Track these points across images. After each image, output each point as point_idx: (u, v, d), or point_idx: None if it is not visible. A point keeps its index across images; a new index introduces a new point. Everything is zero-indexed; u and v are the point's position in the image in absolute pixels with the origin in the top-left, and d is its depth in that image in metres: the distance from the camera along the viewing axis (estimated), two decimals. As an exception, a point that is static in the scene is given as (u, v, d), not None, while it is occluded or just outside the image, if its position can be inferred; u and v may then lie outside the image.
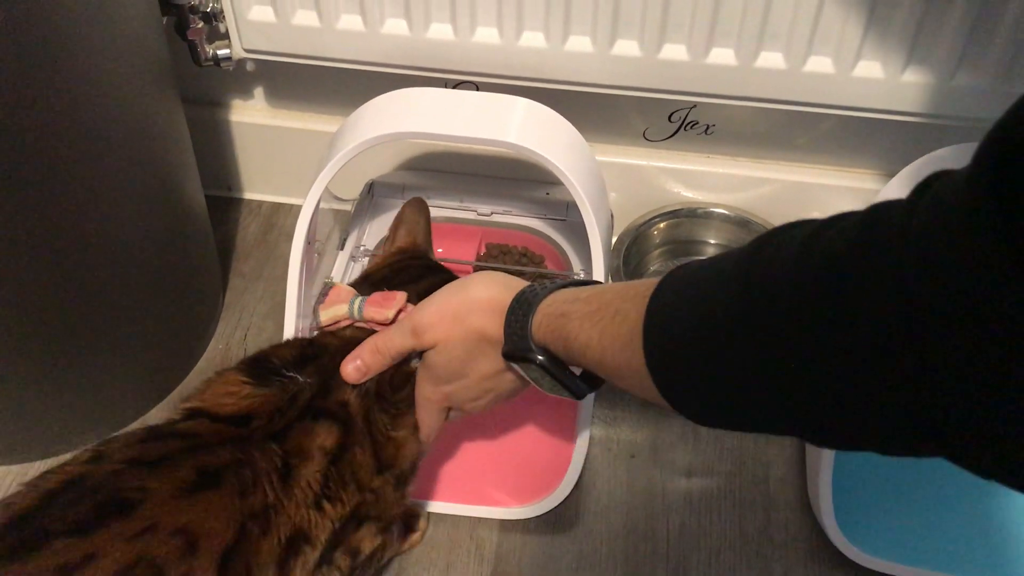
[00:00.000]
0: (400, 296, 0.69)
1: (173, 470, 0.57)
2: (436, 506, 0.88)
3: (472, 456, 0.91)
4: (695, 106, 1.02)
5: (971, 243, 0.34)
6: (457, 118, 0.85)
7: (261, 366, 0.67)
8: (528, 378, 0.63)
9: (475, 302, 0.64)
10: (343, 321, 0.71)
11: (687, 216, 1.09)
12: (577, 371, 0.62)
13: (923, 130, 0.95)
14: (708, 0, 0.85)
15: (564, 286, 0.61)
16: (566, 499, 0.87)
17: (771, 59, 0.89)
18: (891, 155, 1.03)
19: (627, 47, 0.90)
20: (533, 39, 0.90)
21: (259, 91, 1.12)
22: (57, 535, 0.52)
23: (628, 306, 0.52)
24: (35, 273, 0.79)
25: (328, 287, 0.72)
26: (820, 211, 1.07)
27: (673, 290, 0.50)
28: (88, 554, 0.51)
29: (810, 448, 0.92)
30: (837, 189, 1.06)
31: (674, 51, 0.89)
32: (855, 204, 1.05)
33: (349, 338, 0.70)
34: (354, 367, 0.66)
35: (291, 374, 0.67)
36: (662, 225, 1.09)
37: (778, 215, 1.08)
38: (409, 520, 0.85)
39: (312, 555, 0.63)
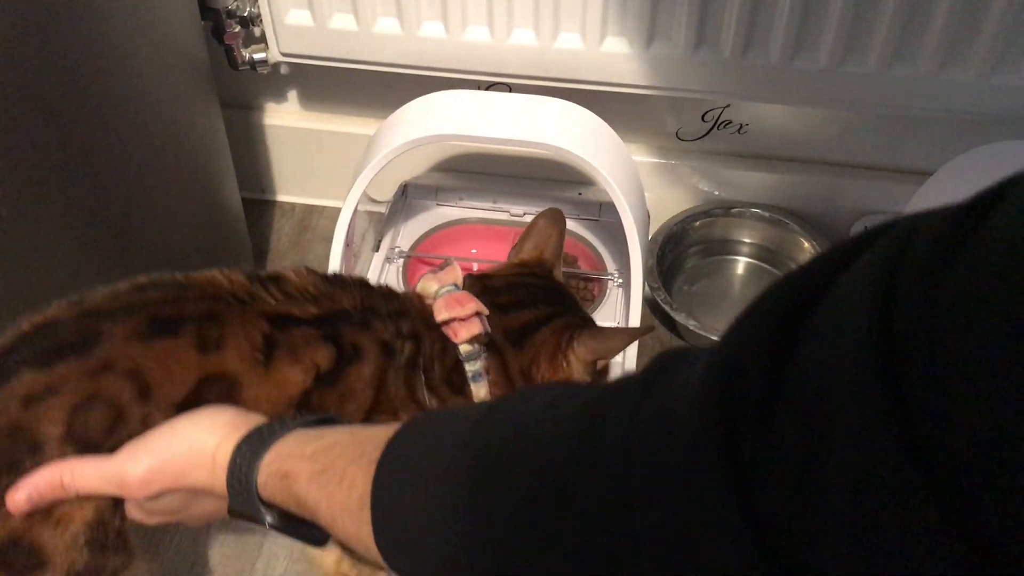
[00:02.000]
0: (471, 305, 0.65)
1: (134, 316, 0.58)
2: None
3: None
4: (728, 106, 1.02)
5: (697, 488, 0.30)
6: (495, 120, 0.85)
7: (321, 273, 0.66)
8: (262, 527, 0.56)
9: (194, 457, 0.55)
10: (428, 298, 0.68)
11: (721, 215, 1.09)
12: None
13: (958, 129, 0.95)
14: (745, 4, 0.85)
15: (294, 428, 0.54)
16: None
17: (806, 61, 0.88)
18: (927, 154, 1.03)
19: (664, 48, 0.90)
20: (569, 40, 0.91)
21: (293, 94, 1.12)
22: (24, 366, 0.55)
23: (355, 470, 0.47)
24: (80, 271, 0.80)
25: (446, 265, 0.70)
26: (852, 210, 1.07)
27: (401, 458, 0.46)
28: (49, 387, 0.54)
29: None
30: (871, 188, 1.06)
31: (710, 52, 0.89)
32: (889, 202, 1.06)
33: (421, 309, 0.68)
34: (25, 496, 0.54)
35: (350, 285, 0.65)
36: (697, 224, 1.09)
37: (812, 214, 1.08)
38: None
39: None
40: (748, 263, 1.10)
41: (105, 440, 0.55)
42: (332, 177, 1.16)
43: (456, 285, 0.67)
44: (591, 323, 0.71)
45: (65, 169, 0.72)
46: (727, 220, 1.09)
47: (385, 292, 0.67)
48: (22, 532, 0.55)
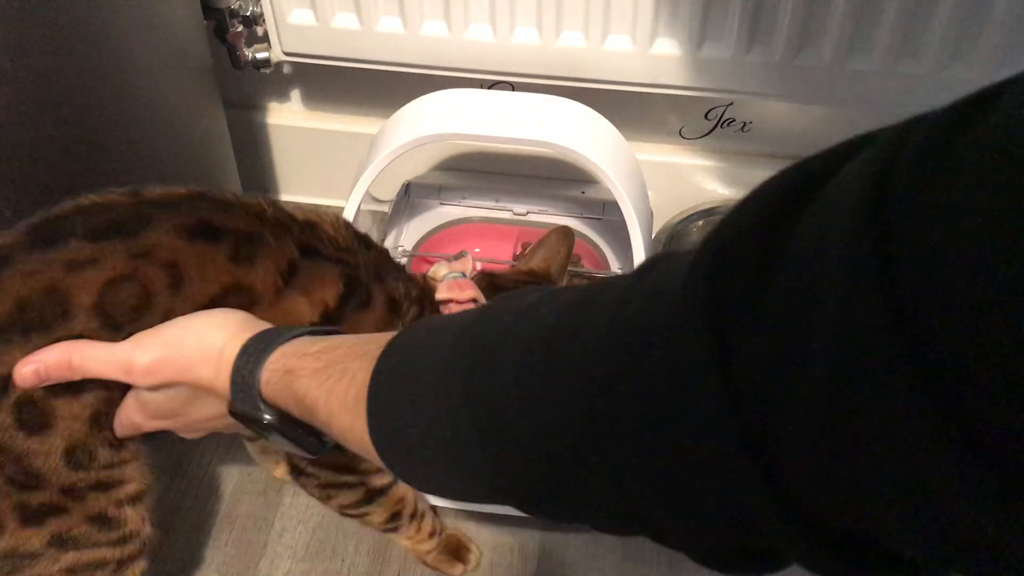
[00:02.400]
0: (470, 292, 0.70)
1: (185, 214, 0.60)
2: (478, 506, 0.88)
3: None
4: (732, 104, 1.02)
5: (679, 356, 0.31)
6: (499, 118, 0.85)
7: (357, 232, 0.69)
8: (258, 435, 0.57)
9: (202, 351, 0.56)
10: (436, 280, 0.73)
11: (725, 214, 1.09)
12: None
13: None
14: (748, 1, 0.84)
15: (301, 334, 0.55)
16: (608, 498, 0.88)
17: (811, 58, 0.88)
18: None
19: (667, 45, 0.89)
20: (572, 39, 0.91)
21: (295, 93, 1.12)
22: (74, 236, 0.57)
23: (356, 367, 0.48)
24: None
25: (461, 256, 0.76)
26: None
27: (399, 354, 0.47)
28: (92, 258, 0.57)
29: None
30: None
31: (714, 49, 0.89)
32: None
33: (426, 286, 0.72)
34: (32, 371, 0.56)
35: (374, 248, 0.69)
36: (700, 223, 1.08)
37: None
38: (458, 550, 0.85)
39: None
40: (752, 261, 1.10)
41: (127, 322, 0.57)
42: (335, 176, 1.16)
43: (464, 274, 0.72)
44: None
45: (68, 169, 0.72)
46: (731, 218, 1.09)
47: (399, 264, 0.72)
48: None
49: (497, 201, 1.08)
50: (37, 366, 0.56)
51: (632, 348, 0.34)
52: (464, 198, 1.08)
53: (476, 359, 0.41)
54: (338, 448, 0.54)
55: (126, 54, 0.76)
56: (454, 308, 0.69)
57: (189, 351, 0.56)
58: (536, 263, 0.79)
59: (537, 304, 0.40)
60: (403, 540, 0.81)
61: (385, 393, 0.45)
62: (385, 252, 0.71)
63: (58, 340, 0.56)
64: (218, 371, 0.55)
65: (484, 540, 0.87)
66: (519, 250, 1.06)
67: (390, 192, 1.07)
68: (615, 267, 1.02)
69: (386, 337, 0.47)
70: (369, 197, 1.04)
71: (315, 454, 0.57)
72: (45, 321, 0.56)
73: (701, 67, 0.90)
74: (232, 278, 0.60)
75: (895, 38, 0.85)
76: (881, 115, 1.00)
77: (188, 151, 0.88)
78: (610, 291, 0.36)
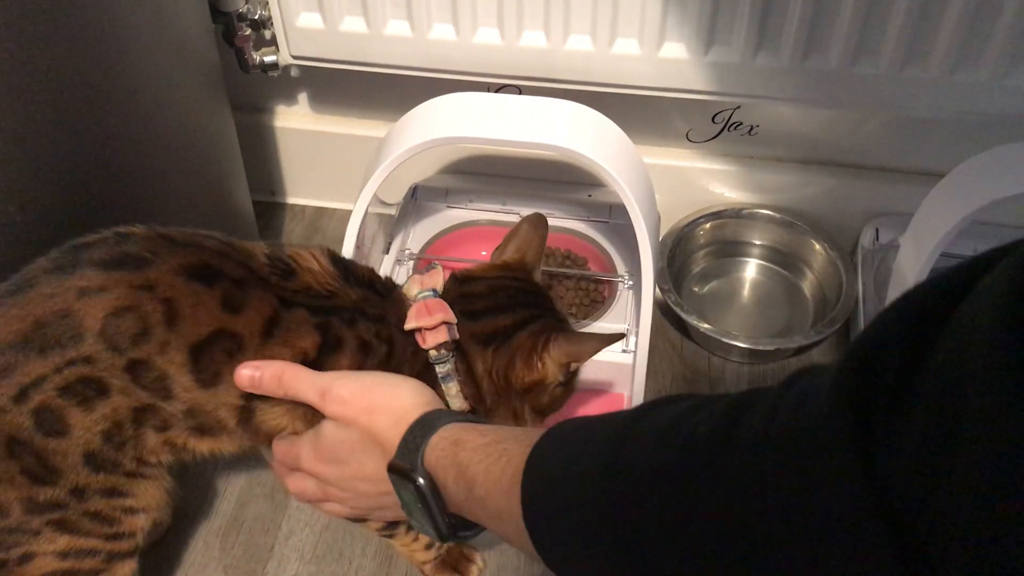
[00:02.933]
0: (439, 315, 0.68)
1: (188, 253, 0.64)
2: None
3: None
4: (739, 107, 1.02)
5: (827, 457, 0.34)
6: (506, 122, 0.85)
7: (343, 261, 0.71)
8: (401, 501, 0.60)
9: (390, 403, 0.62)
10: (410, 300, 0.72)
11: (732, 217, 1.09)
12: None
13: (971, 130, 0.95)
14: (756, 4, 0.84)
15: (469, 419, 0.60)
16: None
17: (819, 61, 0.88)
18: (939, 155, 1.02)
19: (675, 49, 0.90)
20: (580, 42, 0.91)
21: (303, 96, 1.13)
22: (90, 265, 0.62)
23: (515, 448, 0.51)
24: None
25: (431, 268, 0.74)
26: (864, 212, 1.07)
27: (554, 442, 0.50)
28: (102, 287, 0.62)
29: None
30: (882, 189, 1.05)
31: (721, 53, 0.89)
32: (899, 205, 1.05)
33: (400, 314, 0.71)
34: (249, 375, 0.63)
35: (358, 284, 0.70)
36: (707, 226, 1.08)
37: (823, 215, 1.07)
38: (459, 563, 0.85)
39: (278, 415, 0.66)
40: (759, 265, 1.10)
41: (127, 348, 0.62)
42: (342, 179, 1.16)
43: (435, 290, 0.71)
44: (566, 324, 0.75)
45: (77, 172, 0.73)
46: (737, 222, 1.09)
47: (381, 290, 0.72)
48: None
49: (504, 204, 1.08)
50: (254, 372, 0.63)
51: (781, 459, 0.36)
52: (471, 201, 1.08)
53: (623, 486, 0.44)
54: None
55: (137, 59, 0.76)
56: (426, 335, 0.68)
57: (379, 398, 0.62)
58: (509, 255, 0.77)
59: (680, 420, 0.43)
60: (399, 547, 0.82)
61: (538, 477, 0.49)
62: (368, 281, 0.70)
63: (70, 360, 0.61)
64: (395, 426, 0.60)
65: (493, 539, 0.87)
66: (526, 253, 1.06)
67: (397, 195, 1.07)
68: (622, 270, 1.02)
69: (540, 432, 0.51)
70: (376, 200, 1.04)
71: (443, 540, 0.60)
72: (60, 341, 0.61)
73: (709, 71, 0.90)
74: (221, 323, 0.63)
75: (902, 42, 0.85)
76: (887, 119, 1.00)
77: (197, 154, 0.89)
78: (757, 405, 0.39)
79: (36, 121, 0.67)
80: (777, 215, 1.08)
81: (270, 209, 1.20)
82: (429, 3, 0.90)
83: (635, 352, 0.91)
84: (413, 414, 0.60)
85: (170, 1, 0.80)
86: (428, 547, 0.81)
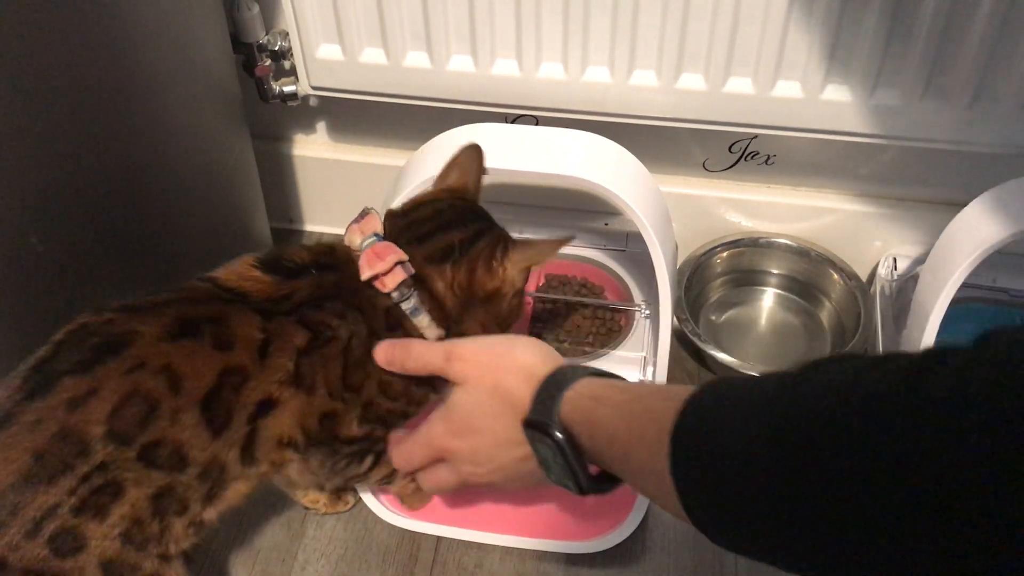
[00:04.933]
0: (391, 258, 0.69)
1: (159, 316, 0.64)
2: (503, 539, 0.88)
3: (539, 490, 0.91)
4: (756, 136, 1.02)
5: None
6: (524, 153, 0.86)
7: (275, 261, 0.71)
8: (539, 457, 0.60)
9: (516, 362, 0.63)
10: (355, 251, 0.72)
11: (749, 246, 1.09)
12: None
13: (991, 161, 0.94)
14: (774, 34, 0.85)
15: (600, 374, 0.61)
16: (632, 533, 0.87)
17: (837, 92, 0.88)
18: (954, 185, 1.02)
19: (692, 80, 0.90)
20: (598, 74, 0.91)
21: (321, 126, 1.14)
22: (65, 375, 0.60)
23: (662, 406, 0.51)
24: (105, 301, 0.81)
25: (364, 214, 0.74)
26: (881, 241, 1.06)
27: (711, 402, 0.49)
28: (91, 389, 0.60)
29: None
30: (899, 219, 1.05)
31: (740, 84, 0.89)
32: (917, 235, 1.05)
33: (353, 270, 0.71)
34: (385, 354, 0.69)
35: (301, 271, 0.71)
36: (724, 254, 1.08)
37: (840, 245, 1.07)
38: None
39: (282, 423, 0.67)
40: (776, 294, 1.10)
41: (139, 433, 0.61)
42: (358, 207, 1.15)
43: (377, 234, 0.72)
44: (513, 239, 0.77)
45: (99, 202, 0.73)
46: (754, 251, 1.09)
47: (326, 261, 0.72)
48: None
49: (521, 232, 1.08)
50: (391, 352, 0.69)
51: (982, 416, 0.35)
52: (488, 230, 1.08)
53: (793, 444, 0.43)
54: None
55: (160, 89, 0.77)
56: (385, 280, 0.69)
57: (502, 358, 0.64)
58: (452, 181, 0.79)
59: (855, 378, 0.42)
60: (395, 490, 0.86)
61: (693, 436, 0.48)
62: (305, 267, 0.71)
63: (84, 476, 0.59)
64: (526, 382, 0.61)
65: (507, 573, 0.87)
66: (542, 281, 1.06)
67: (414, 223, 1.08)
68: (639, 299, 1.02)
69: (690, 387, 0.51)
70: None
71: (583, 492, 0.60)
72: (67, 463, 0.59)
73: (726, 102, 0.91)
74: (222, 363, 0.64)
75: (921, 74, 0.85)
76: (905, 148, 1.00)
77: (218, 183, 0.90)
78: (947, 362, 0.38)
79: (58, 150, 0.67)
80: (794, 244, 1.07)
81: (288, 236, 1.21)
82: (448, 35, 0.91)
83: (653, 382, 0.90)
84: (543, 370, 0.61)
85: (192, 32, 0.81)
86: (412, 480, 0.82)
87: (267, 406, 0.67)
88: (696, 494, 0.48)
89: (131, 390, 0.60)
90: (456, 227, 0.74)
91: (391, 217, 0.75)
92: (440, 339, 0.73)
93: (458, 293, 0.73)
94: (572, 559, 0.87)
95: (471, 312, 0.74)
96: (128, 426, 0.60)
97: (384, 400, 0.73)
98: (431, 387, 0.75)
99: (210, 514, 0.69)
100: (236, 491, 0.69)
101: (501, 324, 0.76)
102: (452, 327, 0.74)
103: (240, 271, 0.70)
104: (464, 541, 0.88)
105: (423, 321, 0.72)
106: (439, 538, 0.89)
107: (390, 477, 0.80)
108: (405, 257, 0.70)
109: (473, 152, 0.80)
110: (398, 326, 0.72)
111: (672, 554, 0.88)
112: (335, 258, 0.72)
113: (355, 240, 0.72)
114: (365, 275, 0.69)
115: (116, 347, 0.61)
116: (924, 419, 0.37)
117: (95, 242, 0.74)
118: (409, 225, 0.74)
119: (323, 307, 0.69)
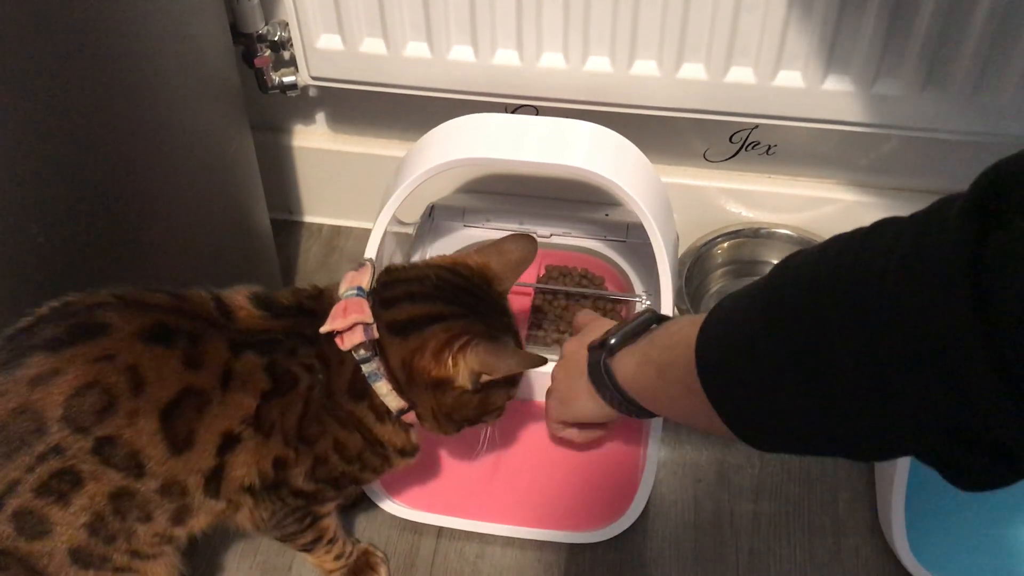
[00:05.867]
0: (352, 317, 0.67)
1: (143, 314, 0.64)
2: (504, 529, 0.88)
3: (541, 480, 0.91)
4: (756, 127, 1.02)
5: (942, 266, 0.38)
6: (525, 143, 0.85)
7: (268, 298, 0.71)
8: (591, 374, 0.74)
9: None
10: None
11: (749, 236, 1.09)
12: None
13: (991, 150, 0.94)
14: (776, 24, 0.85)
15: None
16: (634, 523, 0.87)
17: (839, 82, 0.88)
18: (954, 175, 1.02)
19: (693, 70, 0.90)
20: (599, 64, 0.91)
21: (321, 116, 1.13)
22: (36, 350, 0.60)
23: (689, 330, 0.58)
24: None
25: (361, 264, 0.72)
26: (883, 231, 1.06)
27: (725, 303, 0.56)
28: (55, 369, 0.60)
29: (879, 470, 0.91)
30: (900, 209, 1.05)
31: (741, 74, 0.89)
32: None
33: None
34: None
35: (286, 312, 0.70)
36: (725, 245, 1.08)
37: (840, 235, 1.07)
38: (364, 570, 0.85)
39: (245, 461, 0.67)
40: (776, 284, 1.10)
41: (94, 424, 0.61)
42: (358, 198, 1.16)
43: (360, 288, 0.70)
44: (501, 338, 0.72)
45: (99, 193, 0.73)
46: (755, 241, 1.09)
47: (309, 306, 0.71)
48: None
49: (521, 223, 1.08)
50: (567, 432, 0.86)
51: (902, 271, 0.40)
52: (488, 220, 1.09)
53: (772, 301, 0.50)
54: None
55: (159, 80, 0.77)
56: (345, 339, 0.67)
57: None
58: (469, 256, 0.75)
59: (820, 256, 0.48)
60: (312, 560, 0.83)
61: (710, 342, 0.56)
62: (297, 308, 0.71)
63: (40, 455, 0.60)
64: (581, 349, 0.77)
65: (509, 564, 0.87)
66: (542, 272, 1.06)
67: (414, 214, 1.08)
68: (639, 290, 1.02)
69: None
70: (394, 220, 1.05)
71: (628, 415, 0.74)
72: (25, 440, 0.59)
73: (727, 92, 0.91)
74: (186, 382, 0.64)
75: (923, 64, 0.85)
76: (906, 138, 1.00)
77: (218, 174, 0.89)
78: (948, 207, 0.41)
79: (58, 143, 0.67)
80: (795, 234, 1.07)
81: (287, 227, 1.21)
82: (448, 25, 0.91)
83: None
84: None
85: (191, 23, 0.81)
86: (337, 557, 0.82)
87: (232, 441, 0.66)
88: (719, 386, 0.54)
89: (93, 379, 0.60)
90: (426, 302, 0.70)
91: (384, 272, 0.73)
92: (402, 411, 0.71)
93: (406, 372, 0.69)
94: (574, 549, 0.88)
95: (419, 394, 0.70)
96: (84, 414, 0.60)
97: (338, 460, 0.72)
98: (386, 459, 0.75)
99: (179, 533, 0.69)
100: (198, 521, 0.69)
101: (450, 417, 0.72)
102: (404, 396, 0.71)
103: (238, 300, 0.69)
104: (465, 531, 0.88)
105: (382, 388, 0.69)
106: (440, 528, 0.89)
107: (314, 544, 0.79)
108: (369, 319, 0.67)
109: (520, 241, 0.75)
110: (364, 395, 0.70)
111: (673, 543, 0.88)
112: (320, 304, 0.70)
113: (342, 288, 0.70)
114: (324, 328, 0.67)
115: (91, 332, 0.61)
116: (859, 280, 0.43)
117: (96, 233, 0.74)
118: (387, 285, 0.71)
119: (296, 353, 0.68)
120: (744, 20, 0.85)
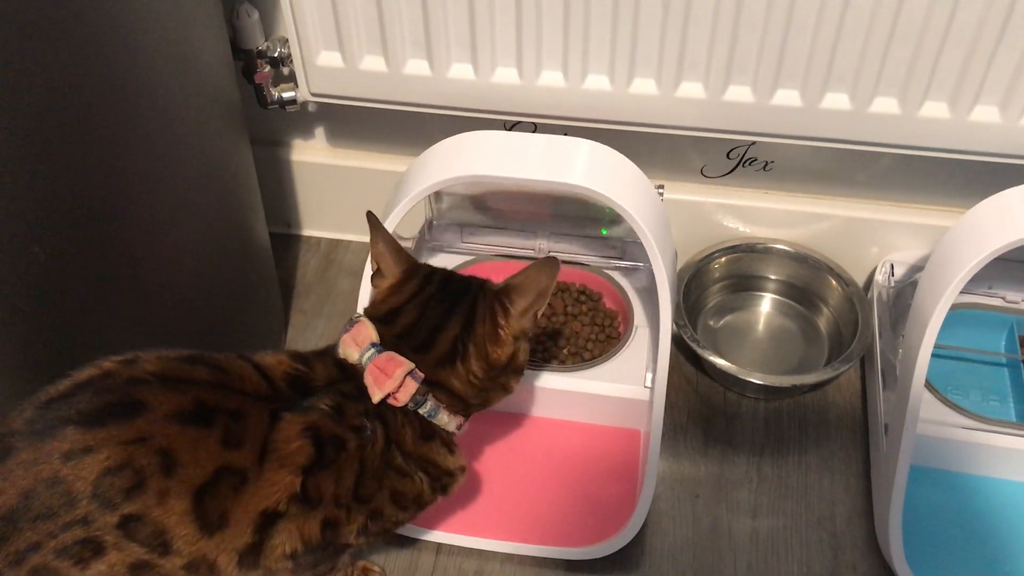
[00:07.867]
0: (398, 372, 0.68)
1: (180, 394, 0.63)
2: (503, 546, 0.88)
3: (539, 496, 0.91)
4: (754, 143, 1.03)
5: None
6: (524, 161, 0.86)
7: (300, 356, 0.72)
8: None
9: None
10: (356, 365, 0.70)
11: (746, 251, 1.09)
12: None
13: (985, 169, 0.95)
14: (774, 43, 0.85)
15: None
16: (632, 539, 0.87)
17: (837, 100, 0.89)
18: (951, 191, 1.03)
19: (692, 89, 0.90)
20: (598, 82, 0.91)
21: (320, 131, 1.14)
22: (70, 424, 0.60)
23: None
24: (113, 309, 0.80)
25: (354, 321, 0.72)
26: (879, 247, 1.07)
27: None
28: (88, 447, 0.60)
29: (876, 485, 0.92)
30: (896, 225, 1.06)
31: (739, 92, 0.90)
32: (914, 241, 1.06)
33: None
34: None
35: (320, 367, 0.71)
36: (722, 260, 1.09)
37: (837, 251, 1.08)
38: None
39: (287, 532, 0.66)
40: (774, 299, 1.10)
41: (122, 502, 0.60)
42: (357, 212, 1.15)
43: (375, 344, 0.70)
44: (501, 289, 0.74)
45: (100, 209, 0.73)
46: (752, 256, 1.09)
47: (347, 366, 0.71)
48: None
49: (519, 239, 1.09)
50: None
51: None
52: (486, 236, 1.09)
53: None
54: None
55: (159, 95, 0.77)
56: (400, 396, 0.68)
57: None
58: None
59: None
60: None
61: None
62: (333, 383, 0.70)
63: (65, 524, 0.60)
64: None
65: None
66: (541, 287, 1.06)
67: (412, 230, 1.08)
68: (636, 306, 1.03)
69: None
70: (393, 234, 1.05)
71: None
72: (52, 510, 0.59)
73: (725, 110, 0.91)
74: (224, 461, 0.63)
75: (919, 82, 0.86)
76: (902, 154, 1.00)
77: (218, 189, 0.89)
78: None
79: (58, 158, 0.67)
80: (792, 250, 1.08)
81: (285, 241, 1.21)
82: (448, 42, 0.91)
83: (652, 389, 0.91)
84: None
85: (192, 39, 0.81)
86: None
87: (273, 517, 0.65)
88: None
89: (124, 461, 0.60)
90: (449, 319, 0.72)
91: (375, 322, 0.72)
92: (460, 426, 0.74)
93: (477, 381, 0.72)
94: (572, 565, 0.88)
95: (494, 383, 0.74)
96: (113, 492, 0.60)
97: (393, 510, 0.73)
98: (446, 488, 0.75)
99: None
100: None
101: (518, 373, 0.76)
102: (471, 408, 0.74)
103: (280, 359, 0.70)
104: (464, 547, 0.89)
105: (443, 419, 0.72)
106: (439, 544, 0.89)
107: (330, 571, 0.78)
108: (412, 365, 0.69)
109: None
110: (432, 433, 0.72)
111: (671, 559, 0.89)
112: (346, 372, 0.71)
113: (352, 354, 0.70)
114: (376, 397, 0.68)
115: (126, 412, 0.61)
116: None
117: (96, 249, 0.74)
118: (403, 335, 0.72)
119: (344, 412, 0.68)
120: (742, 39, 0.86)
